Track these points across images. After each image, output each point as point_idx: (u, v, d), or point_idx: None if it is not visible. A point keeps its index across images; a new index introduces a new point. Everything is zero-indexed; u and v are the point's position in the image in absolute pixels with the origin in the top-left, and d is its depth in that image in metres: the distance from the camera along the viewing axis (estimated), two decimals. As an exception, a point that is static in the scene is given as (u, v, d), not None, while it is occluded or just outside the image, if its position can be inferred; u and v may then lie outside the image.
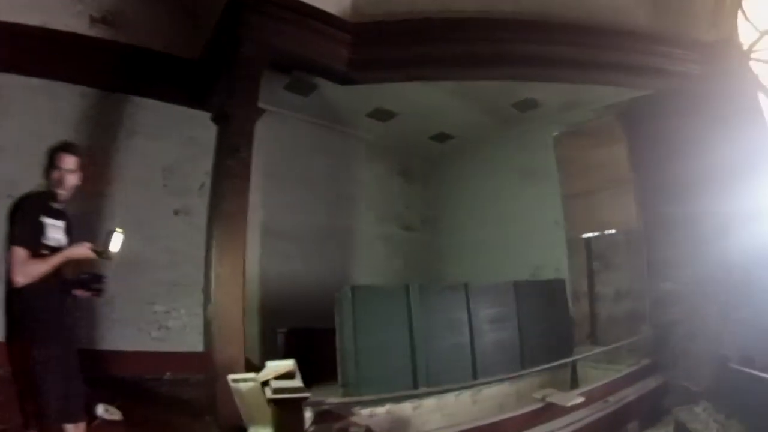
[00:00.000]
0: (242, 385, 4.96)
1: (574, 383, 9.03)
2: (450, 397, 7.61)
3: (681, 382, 8.40)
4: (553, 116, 11.09)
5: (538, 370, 8.65)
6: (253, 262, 9.68)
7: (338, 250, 11.31)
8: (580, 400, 6.71)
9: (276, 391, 4.53)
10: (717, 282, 8.37)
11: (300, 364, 5.22)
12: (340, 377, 6.78)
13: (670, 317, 9.02)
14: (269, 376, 4.88)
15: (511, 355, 8.59)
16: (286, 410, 4.48)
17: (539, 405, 6.69)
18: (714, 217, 8.37)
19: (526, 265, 10.61)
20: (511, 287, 8.85)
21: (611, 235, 10.09)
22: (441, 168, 13.95)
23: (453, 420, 7.57)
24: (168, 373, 8.36)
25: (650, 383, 8.13)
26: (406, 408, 7.10)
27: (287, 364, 5.08)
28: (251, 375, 4.98)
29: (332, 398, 6.38)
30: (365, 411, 6.67)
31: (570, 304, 9.95)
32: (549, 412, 6.65)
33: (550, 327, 9.15)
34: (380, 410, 6.83)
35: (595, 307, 10.02)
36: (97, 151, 8.37)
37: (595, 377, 8.71)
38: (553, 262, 10.41)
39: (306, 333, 8.24)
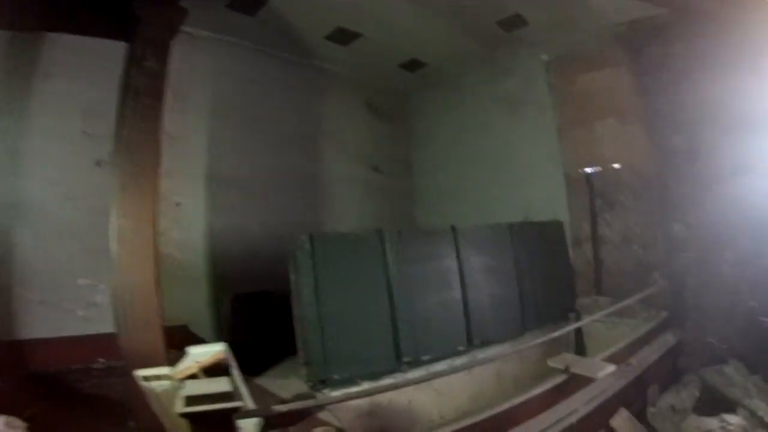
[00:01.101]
0: (156, 385, 3.38)
1: (580, 341, 7.61)
2: (442, 370, 6.07)
3: (703, 338, 7.12)
4: (543, 38, 9.37)
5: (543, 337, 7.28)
6: (197, 216, 8.06)
7: (298, 198, 9.55)
8: (612, 369, 5.37)
9: (191, 401, 2.92)
10: (732, 225, 7.08)
11: (252, 339, 3.71)
12: (301, 354, 5.21)
13: (682, 264, 7.72)
14: (190, 370, 3.29)
15: (511, 311, 7.15)
16: (204, 428, 2.88)
17: (561, 378, 5.25)
18: (729, 152, 7.06)
19: (515, 207, 9.09)
20: (507, 230, 7.36)
21: (615, 170, 8.54)
22: (414, 101, 12.11)
23: (448, 397, 6.17)
24: (100, 360, 6.60)
25: (669, 340, 6.83)
26: (386, 386, 5.58)
27: (215, 352, 3.51)
28: (165, 370, 3.39)
29: (289, 390, 4.87)
30: (336, 395, 5.19)
31: (570, 250, 8.57)
32: (572, 384, 5.22)
33: (550, 276, 7.76)
34: (354, 392, 5.33)
35: (599, 253, 8.63)
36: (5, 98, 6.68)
37: (603, 333, 7.39)
38: (549, 202, 8.94)
39: (258, 299, 6.59)
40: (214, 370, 3.45)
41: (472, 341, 6.53)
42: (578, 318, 7.70)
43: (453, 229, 6.64)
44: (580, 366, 5.37)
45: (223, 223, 8.28)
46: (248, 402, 3.67)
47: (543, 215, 8.49)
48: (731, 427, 5.90)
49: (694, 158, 7.46)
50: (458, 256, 6.57)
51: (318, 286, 5.25)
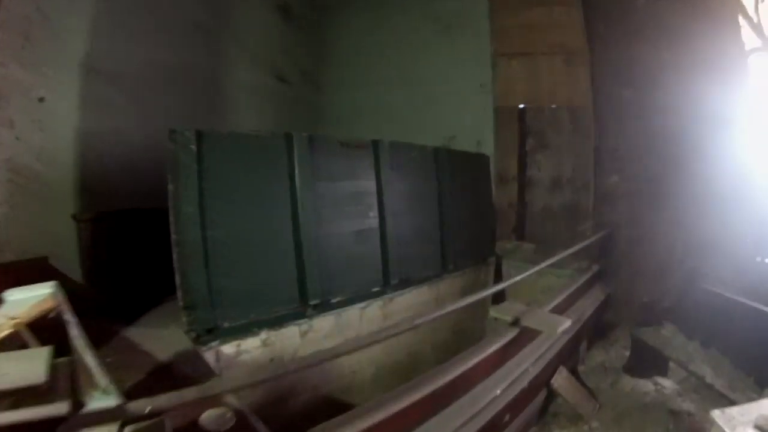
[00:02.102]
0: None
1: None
2: (353, 313, 5.02)
3: (635, 296, 6.67)
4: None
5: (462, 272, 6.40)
6: (66, 117, 6.10)
7: (191, 102, 7.64)
8: (567, 323, 4.55)
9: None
10: (672, 183, 6.63)
11: (120, 273, 2.31)
12: (180, 294, 3.68)
13: (616, 217, 7.24)
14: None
15: (431, 249, 6.19)
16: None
17: (511, 334, 4.35)
18: (675, 111, 6.54)
19: (436, 133, 8.05)
20: (432, 155, 6.27)
21: (553, 110, 7.75)
22: (331, 7, 10.28)
23: (370, 350, 5.04)
24: None
25: (599, 294, 6.15)
26: (290, 335, 4.40)
27: (38, 298, 2.07)
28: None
29: (166, 344, 3.46)
30: (228, 348, 3.88)
31: (493, 188, 7.68)
32: (518, 341, 4.36)
33: (472, 215, 6.90)
34: (251, 343, 4.05)
35: (526, 195, 7.91)
36: None
37: (527, 280, 6.58)
38: (473, 133, 8.01)
39: (127, 219, 4.92)
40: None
41: (389, 281, 5.46)
42: (498, 262, 6.96)
43: (374, 144, 5.38)
44: (532, 319, 4.51)
45: (99, 127, 6.34)
46: (99, 379, 2.24)
47: (466, 145, 7.55)
48: (666, 391, 5.60)
49: (640, 113, 6.90)
50: (378, 178, 5.36)
51: (204, 202, 3.77)
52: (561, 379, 4.93)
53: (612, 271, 6.63)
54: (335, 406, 4.95)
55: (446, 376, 3.45)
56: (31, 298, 1.99)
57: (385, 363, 5.53)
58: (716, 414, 3.23)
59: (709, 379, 5.29)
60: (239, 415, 2.74)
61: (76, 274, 5.36)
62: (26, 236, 5.11)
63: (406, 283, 5.62)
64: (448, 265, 6.28)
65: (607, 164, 7.23)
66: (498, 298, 6.92)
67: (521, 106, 7.81)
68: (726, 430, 3.07)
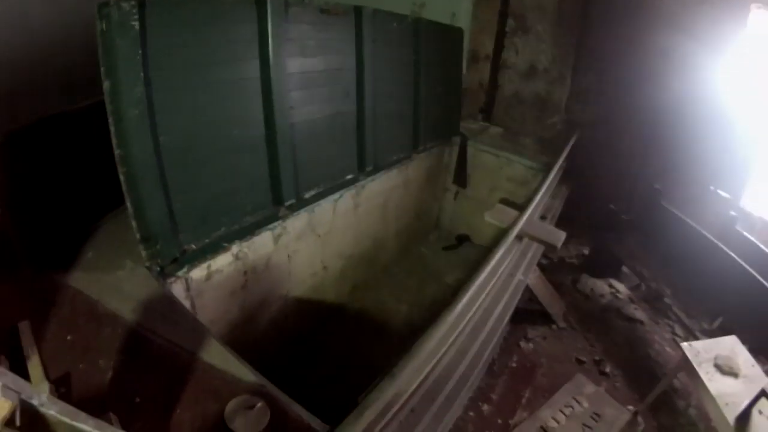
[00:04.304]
0: None
1: (462, 169, 6.42)
2: (326, 206, 4.38)
3: (600, 201, 6.27)
4: None
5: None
6: None
7: None
8: (563, 236, 4.25)
9: None
10: (645, 95, 5.95)
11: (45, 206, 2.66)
12: (135, 224, 2.79)
13: (586, 116, 6.61)
14: None
15: (404, 130, 5.43)
16: None
17: (520, 246, 4.01)
18: (665, 27, 5.67)
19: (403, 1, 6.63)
20: (412, 26, 5.15)
21: None
22: None
23: (331, 241, 4.60)
24: None
25: (564, 191, 5.77)
26: (263, 242, 3.74)
27: None
28: None
29: (124, 293, 2.68)
30: (198, 272, 3.20)
31: (464, 66, 6.74)
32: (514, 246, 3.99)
33: (441, 91, 6.00)
34: (223, 260, 3.38)
35: (498, 78, 6.97)
36: None
37: (492, 166, 6.23)
38: (448, 2, 6.61)
39: (46, 133, 3.61)
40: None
41: (364, 168, 4.77)
42: (464, 142, 6.34)
43: (357, 11, 4.22)
44: (532, 230, 4.10)
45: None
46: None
47: (437, 15, 6.27)
48: (620, 296, 5.72)
49: (629, 21, 5.93)
50: (359, 52, 4.33)
51: (153, 98, 2.70)
52: (534, 278, 4.75)
53: (575, 169, 6.14)
54: (309, 308, 4.63)
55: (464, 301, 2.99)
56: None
57: (352, 253, 5.10)
58: (685, 347, 3.55)
59: (668, 300, 5.45)
60: (270, 400, 2.19)
61: None
62: None
63: (377, 169, 4.95)
64: (418, 146, 5.62)
65: (586, 62, 6.42)
66: (461, 180, 6.52)
67: None
68: (693, 363, 3.37)
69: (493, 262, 3.42)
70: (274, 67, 3.47)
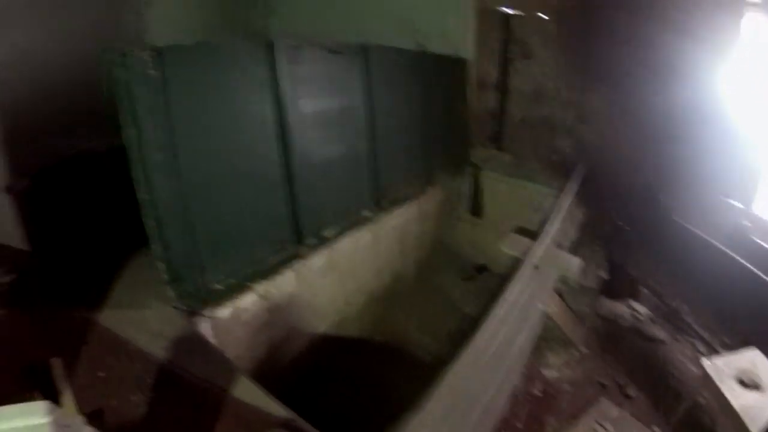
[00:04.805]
0: None
1: (476, 197, 6.34)
2: (346, 243, 4.29)
3: (609, 218, 6.12)
4: None
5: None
6: None
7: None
8: (578, 263, 4.30)
9: None
10: (650, 111, 5.79)
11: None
12: (162, 266, 2.71)
13: (594, 136, 6.46)
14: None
15: (417, 163, 5.38)
16: None
17: (536, 275, 3.93)
18: (665, 40, 5.53)
19: (405, 28, 6.50)
20: (417, 59, 5.20)
21: (540, 19, 6.45)
22: None
23: (352, 277, 4.49)
24: None
25: (577, 214, 5.67)
26: (287, 280, 3.65)
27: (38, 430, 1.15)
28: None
29: (156, 331, 2.61)
30: (224, 312, 3.08)
31: (471, 94, 6.66)
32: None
33: (450, 122, 6.03)
34: (248, 299, 3.27)
35: (507, 105, 6.89)
36: None
37: (504, 193, 6.16)
38: (451, 33, 6.50)
39: (73, 170, 3.62)
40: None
41: (381, 204, 4.71)
42: (476, 172, 6.26)
43: (365, 49, 4.25)
44: (548, 260, 4.01)
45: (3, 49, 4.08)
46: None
47: (440, 46, 6.18)
48: (641, 317, 5.43)
49: (630, 38, 5.78)
50: (369, 90, 4.32)
51: (176, 142, 2.70)
52: (554, 305, 4.56)
53: (586, 190, 6.02)
54: (332, 343, 4.47)
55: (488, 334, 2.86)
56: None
57: (373, 288, 4.99)
58: (706, 363, 3.32)
59: (685, 316, 5.18)
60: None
61: (13, 239, 3.78)
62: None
63: (394, 204, 4.90)
64: (431, 178, 5.56)
65: (590, 83, 6.32)
66: (475, 209, 6.42)
67: (507, 10, 6.50)
68: (715, 380, 3.16)
69: (510, 294, 3.30)
70: (289, 108, 3.49)
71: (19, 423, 1.07)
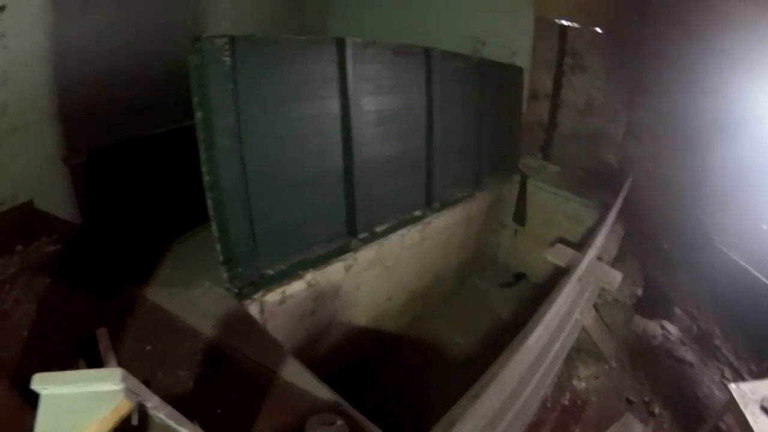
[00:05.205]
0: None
1: (522, 206, 6.15)
2: (395, 240, 4.18)
3: (651, 236, 5.78)
4: None
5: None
6: (34, 25, 3.77)
7: None
8: (620, 277, 4.07)
9: None
10: (699, 133, 5.36)
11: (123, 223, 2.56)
12: (219, 247, 2.70)
13: (640, 152, 6.11)
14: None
15: (467, 166, 5.24)
16: None
17: (578, 287, 3.76)
18: (722, 64, 5.08)
19: (462, 35, 6.31)
20: (476, 65, 5.05)
21: (595, 32, 6.13)
22: None
23: (397, 273, 4.38)
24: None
25: (619, 230, 5.40)
26: (335, 271, 3.57)
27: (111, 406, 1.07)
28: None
29: (203, 310, 2.58)
30: (272, 296, 3.05)
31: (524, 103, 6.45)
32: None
33: (502, 128, 5.82)
34: (296, 287, 3.22)
35: (557, 115, 6.59)
36: None
37: (550, 204, 5.90)
38: (509, 41, 6.27)
39: (126, 151, 3.71)
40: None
41: (431, 204, 4.57)
42: (523, 180, 6.06)
43: (427, 52, 4.12)
44: (591, 272, 3.83)
45: (76, 32, 4.05)
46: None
47: (497, 53, 5.98)
48: (671, 337, 5.21)
49: (685, 57, 5.40)
50: (429, 91, 4.19)
51: (243, 130, 2.67)
52: (589, 318, 4.35)
53: (629, 206, 5.65)
54: (369, 336, 4.39)
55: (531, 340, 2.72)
56: (94, 399, 1.06)
57: (415, 286, 4.87)
58: (732, 388, 3.26)
59: (717, 341, 4.91)
60: (348, 419, 2.02)
61: (64, 212, 3.84)
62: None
63: (443, 205, 4.74)
64: (480, 183, 5.37)
65: (640, 97, 5.96)
66: (519, 216, 6.21)
67: (563, 22, 6.17)
68: (740, 404, 3.12)
69: (554, 303, 3.13)
70: (353, 105, 3.40)
71: (93, 388, 1.03)
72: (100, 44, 4.27)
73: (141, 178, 3.39)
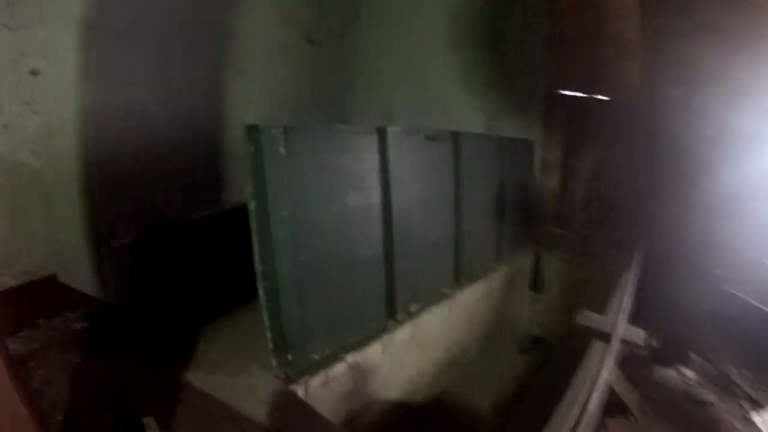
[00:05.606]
0: None
1: (538, 275, 6.14)
2: (428, 319, 4.10)
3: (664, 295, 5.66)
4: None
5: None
6: (66, 92, 3.86)
7: (212, 60, 5.41)
8: (643, 334, 3.92)
9: None
10: (702, 187, 5.58)
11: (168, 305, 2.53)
12: (269, 335, 2.62)
13: (650, 214, 6.14)
14: None
15: (491, 242, 5.22)
16: None
17: (607, 347, 3.65)
18: (715, 116, 5.48)
19: (475, 109, 6.61)
20: (497, 143, 5.16)
21: (599, 101, 6.31)
22: None
23: (427, 349, 4.27)
24: None
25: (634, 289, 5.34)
26: (374, 352, 3.47)
27: None
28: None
29: (255, 395, 2.48)
30: (316, 380, 2.92)
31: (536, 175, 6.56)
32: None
33: (518, 201, 5.82)
34: (338, 369, 3.11)
35: (569, 184, 6.63)
36: None
37: (565, 271, 5.90)
38: (516, 114, 6.47)
39: (176, 235, 3.70)
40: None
41: (460, 281, 4.53)
42: (538, 252, 6.06)
43: (455, 135, 4.23)
44: (624, 332, 3.75)
45: (111, 103, 4.04)
46: None
47: (508, 130, 6.19)
48: (689, 381, 5.10)
49: (685, 115, 5.70)
50: (457, 172, 4.27)
51: (297, 219, 2.67)
52: (618, 382, 4.25)
53: (645, 266, 5.54)
54: (402, 411, 4.18)
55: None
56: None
57: (443, 359, 4.72)
58: (757, 419, 3.55)
59: (734, 378, 4.84)
60: None
61: (88, 288, 3.77)
62: (26, 253, 3.48)
63: (469, 280, 4.70)
64: (501, 256, 5.36)
65: (647, 161, 6.09)
66: (536, 285, 6.14)
67: (569, 93, 6.35)
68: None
69: (590, 370, 3.06)
70: (393, 192, 3.41)
71: None
72: (136, 119, 4.30)
73: (177, 263, 3.34)
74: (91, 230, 3.88)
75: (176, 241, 3.50)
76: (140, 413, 2.35)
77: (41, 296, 3.12)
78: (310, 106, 7.02)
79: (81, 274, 3.71)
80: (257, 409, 2.39)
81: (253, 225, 2.55)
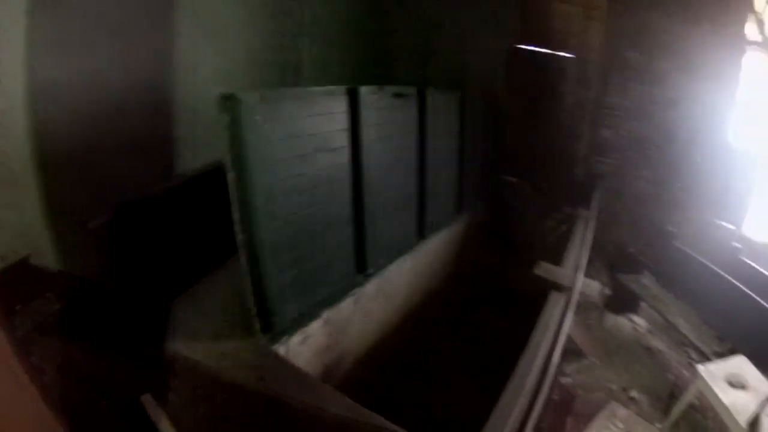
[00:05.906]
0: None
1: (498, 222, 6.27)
2: (393, 270, 4.19)
3: (618, 244, 6.22)
4: None
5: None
6: (15, 64, 3.34)
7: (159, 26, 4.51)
8: (599, 287, 4.26)
9: None
10: (655, 146, 6.01)
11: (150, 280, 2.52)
12: (252, 300, 2.59)
13: (604, 168, 6.49)
14: None
15: (451, 195, 5.29)
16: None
17: (566, 297, 3.90)
18: (673, 82, 5.74)
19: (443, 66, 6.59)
20: (456, 97, 5.09)
21: (563, 58, 6.32)
22: None
23: (393, 298, 4.39)
24: None
25: (589, 238, 5.63)
26: (346, 307, 3.54)
27: None
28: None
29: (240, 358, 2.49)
30: (296, 338, 2.98)
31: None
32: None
33: (477, 154, 5.88)
34: (314, 327, 3.18)
35: (528, 138, 6.66)
36: None
37: (528, 218, 6.13)
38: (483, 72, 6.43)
39: (154, 208, 3.48)
40: None
41: (424, 234, 4.62)
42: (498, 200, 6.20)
43: (420, 91, 4.14)
44: (581, 284, 4.01)
45: (62, 72, 3.54)
46: None
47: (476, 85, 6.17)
48: (640, 329, 5.50)
49: (642, 78, 5.96)
50: (423, 129, 4.24)
51: (273, 187, 2.59)
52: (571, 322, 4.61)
53: (599, 215, 5.86)
54: (375, 361, 4.31)
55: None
56: None
57: (409, 308, 4.82)
58: (700, 368, 3.51)
59: (682, 329, 5.14)
60: None
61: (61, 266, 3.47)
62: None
63: (431, 232, 4.80)
64: (461, 208, 5.48)
65: (603, 118, 6.32)
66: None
67: (531, 48, 6.31)
68: (708, 381, 3.38)
69: (552, 318, 3.29)
70: (363, 151, 3.36)
71: None
72: (86, 90, 3.77)
73: (153, 236, 3.21)
74: (58, 208, 3.53)
75: (150, 215, 3.34)
76: (136, 392, 2.30)
77: (16, 281, 2.90)
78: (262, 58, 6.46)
79: (53, 254, 3.45)
80: (244, 372, 2.41)
81: (233, 195, 2.44)
